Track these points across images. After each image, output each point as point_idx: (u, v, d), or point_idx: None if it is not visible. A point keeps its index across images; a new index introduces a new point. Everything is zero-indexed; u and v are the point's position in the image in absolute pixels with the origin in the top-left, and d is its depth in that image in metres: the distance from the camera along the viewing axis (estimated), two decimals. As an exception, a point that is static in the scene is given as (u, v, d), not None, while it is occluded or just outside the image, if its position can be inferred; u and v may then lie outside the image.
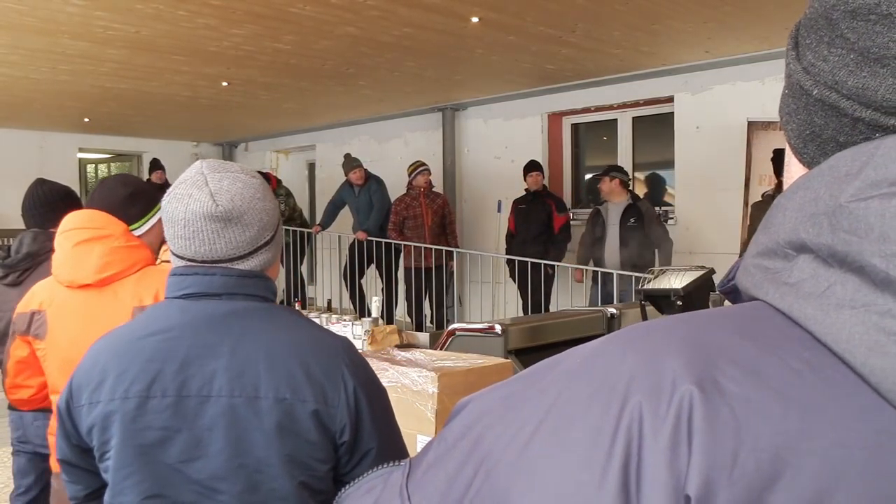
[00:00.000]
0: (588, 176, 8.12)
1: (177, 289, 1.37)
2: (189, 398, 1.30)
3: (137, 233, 2.23)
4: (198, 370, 1.31)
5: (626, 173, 6.56)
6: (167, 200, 1.38)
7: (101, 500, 1.41)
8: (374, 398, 1.39)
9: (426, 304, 7.62)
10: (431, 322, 7.66)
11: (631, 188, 6.61)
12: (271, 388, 1.30)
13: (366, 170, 7.86)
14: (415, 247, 7.43)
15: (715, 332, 0.49)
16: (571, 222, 7.24)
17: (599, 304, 6.16)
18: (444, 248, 7.34)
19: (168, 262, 2.56)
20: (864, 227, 0.46)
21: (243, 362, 1.31)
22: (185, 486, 1.31)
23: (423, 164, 7.66)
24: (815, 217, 0.49)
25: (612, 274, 6.17)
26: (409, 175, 7.55)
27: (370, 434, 1.36)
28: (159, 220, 2.25)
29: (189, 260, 1.37)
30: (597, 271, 6.41)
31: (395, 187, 7.86)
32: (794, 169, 0.59)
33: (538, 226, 6.97)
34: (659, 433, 0.44)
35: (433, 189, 7.69)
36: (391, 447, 1.40)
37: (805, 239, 0.49)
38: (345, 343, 1.42)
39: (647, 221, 6.25)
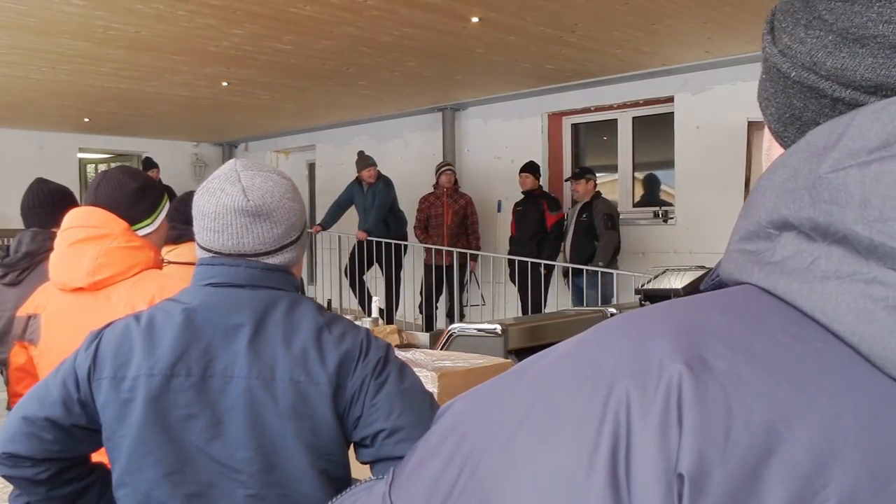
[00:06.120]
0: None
1: (203, 278, 1.40)
2: (213, 378, 1.33)
3: (146, 231, 2.09)
4: (222, 351, 1.34)
5: (594, 173, 6.95)
6: (199, 194, 1.41)
7: (54, 465, 1.38)
8: (387, 376, 1.38)
9: (441, 302, 7.64)
10: (433, 320, 7.66)
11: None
12: (286, 370, 1.33)
13: (378, 170, 7.86)
14: (425, 247, 7.53)
15: (700, 314, 0.48)
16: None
17: (585, 303, 6.23)
18: (455, 249, 7.34)
19: (172, 262, 2.55)
20: (844, 196, 0.45)
21: (262, 345, 1.34)
22: (205, 464, 1.33)
23: (448, 164, 7.84)
24: (796, 192, 0.48)
25: (613, 274, 6.18)
26: (436, 174, 7.71)
27: (376, 413, 1.35)
28: (165, 217, 2.17)
29: (216, 252, 1.40)
30: (581, 270, 6.56)
31: (396, 188, 7.85)
32: (775, 153, 0.58)
33: (533, 226, 7.04)
34: (648, 415, 0.43)
35: (458, 189, 7.76)
36: (411, 424, 1.36)
37: (787, 215, 0.48)
38: (366, 331, 1.44)
39: (595, 216, 6.54)
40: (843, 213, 0.45)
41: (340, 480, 1.38)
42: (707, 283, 0.59)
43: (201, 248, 1.42)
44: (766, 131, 0.60)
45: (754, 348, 0.45)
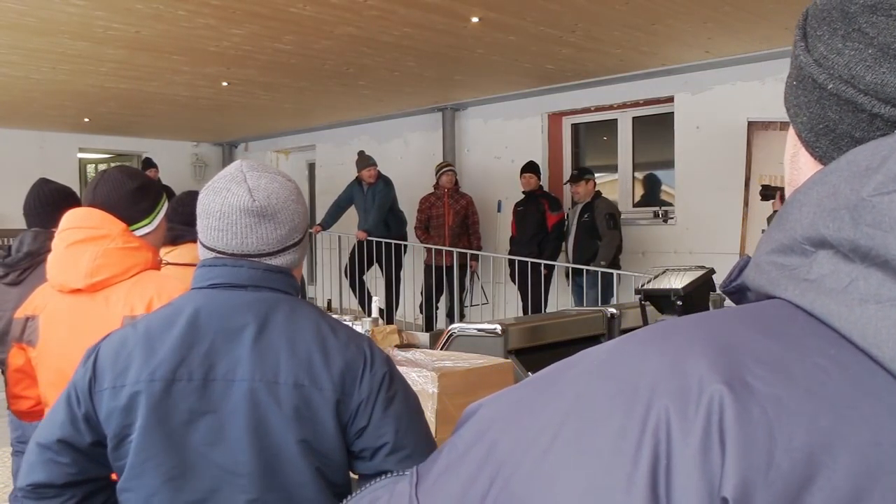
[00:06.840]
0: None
1: (204, 279, 1.40)
2: (215, 382, 1.33)
3: (144, 231, 2.07)
4: (224, 355, 1.33)
5: (592, 173, 6.97)
6: (204, 193, 1.42)
7: (79, 490, 1.39)
8: (395, 393, 1.39)
9: (442, 302, 7.65)
10: (433, 320, 7.66)
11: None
12: (290, 374, 1.33)
13: (378, 170, 7.86)
14: (426, 248, 7.54)
15: (737, 331, 0.48)
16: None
17: (585, 303, 6.25)
18: (456, 249, 7.34)
19: (171, 263, 2.55)
20: (888, 221, 0.44)
21: (265, 348, 1.34)
22: (207, 470, 1.32)
23: (449, 164, 7.85)
24: (836, 212, 0.47)
25: (613, 274, 6.18)
26: (436, 175, 7.71)
27: (386, 427, 1.36)
28: (163, 218, 2.16)
29: (219, 252, 1.40)
30: (582, 269, 6.57)
31: (396, 188, 7.85)
32: (802, 161, 0.57)
33: (533, 226, 7.05)
34: (689, 436, 0.43)
35: (459, 189, 7.78)
36: (414, 444, 1.38)
37: (825, 234, 0.48)
38: (368, 339, 1.45)
39: (596, 216, 6.58)
40: (886, 238, 0.44)
41: (340, 485, 1.38)
42: (727, 285, 0.58)
43: (205, 247, 1.42)
44: (791, 136, 0.59)
45: (793, 371, 0.44)
